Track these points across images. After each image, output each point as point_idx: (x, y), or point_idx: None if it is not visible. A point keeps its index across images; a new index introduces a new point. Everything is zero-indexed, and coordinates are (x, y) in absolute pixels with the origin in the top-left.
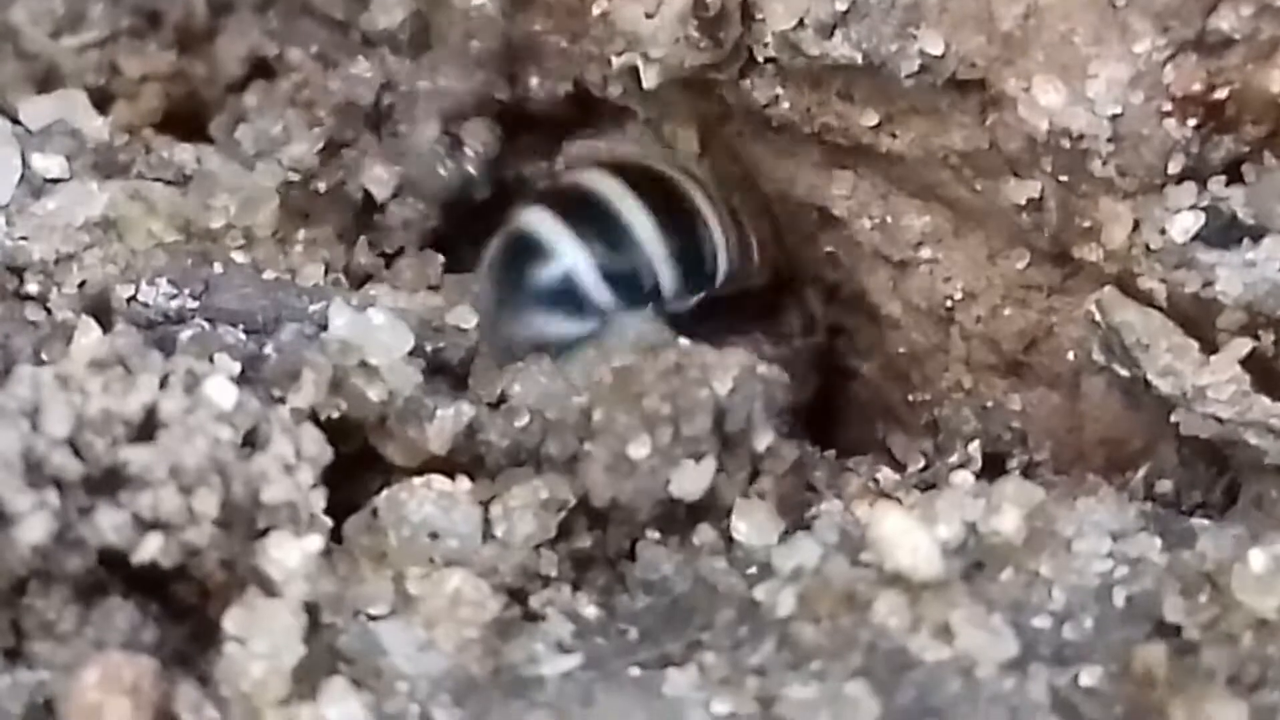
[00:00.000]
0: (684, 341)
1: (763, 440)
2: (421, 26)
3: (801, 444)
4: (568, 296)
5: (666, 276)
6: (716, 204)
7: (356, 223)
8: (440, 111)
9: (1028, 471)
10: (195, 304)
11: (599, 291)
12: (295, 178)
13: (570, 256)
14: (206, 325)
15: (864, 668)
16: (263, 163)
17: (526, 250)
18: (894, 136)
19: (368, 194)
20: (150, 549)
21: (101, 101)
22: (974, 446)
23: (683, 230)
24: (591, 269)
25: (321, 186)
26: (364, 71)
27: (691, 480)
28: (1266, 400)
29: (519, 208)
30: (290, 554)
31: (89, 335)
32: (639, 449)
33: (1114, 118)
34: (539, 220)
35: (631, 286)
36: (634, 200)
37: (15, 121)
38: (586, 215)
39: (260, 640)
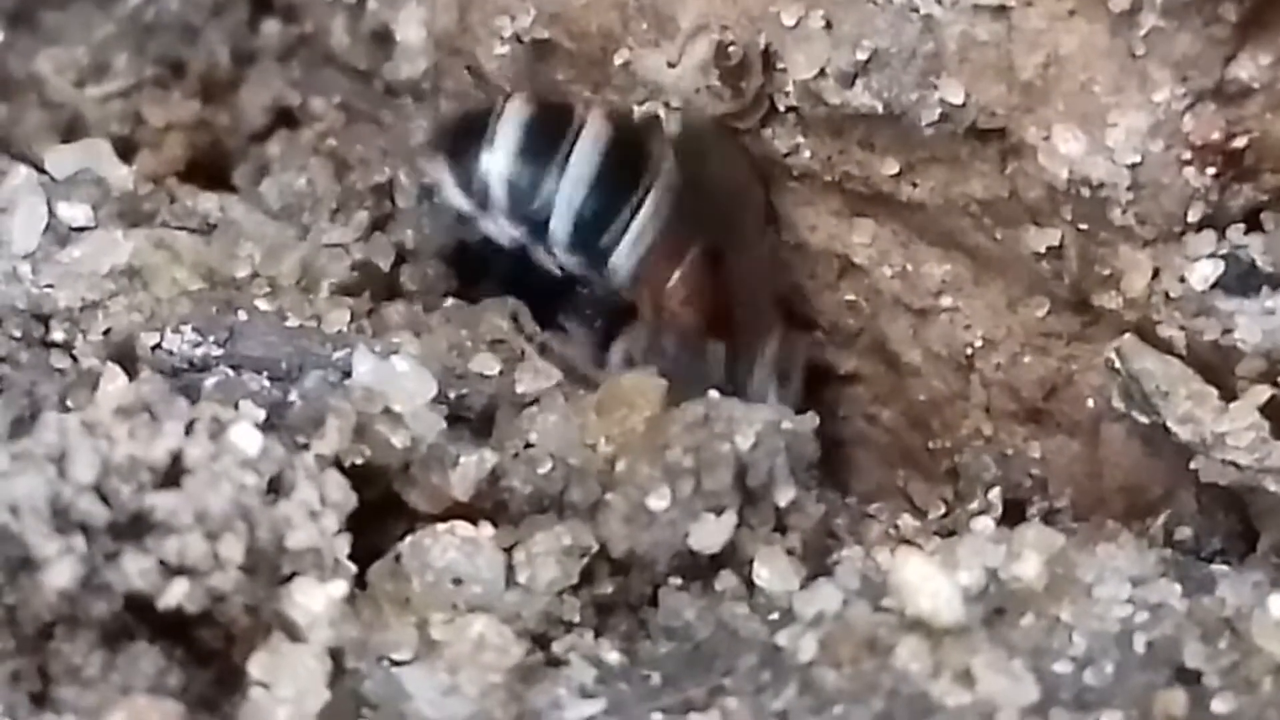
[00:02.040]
0: (713, 394)
1: (785, 495)
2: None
3: (824, 494)
4: (468, 173)
5: (562, 222)
6: (667, 207)
7: (387, 279)
8: None
9: (1048, 518)
10: (220, 351)
11: (497, 186)
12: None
13: (497, 147)
14: (231, 372)
15: (885, 713)
16: (294, 227)
17: (480, 120)
18: (914, 185)
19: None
20: (176, 594)
21: (126, 150)
22: (994, 493)
23: (611, 196)
24: (504, 166)
25: (360, 257)
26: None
27: (711, 534)
28: None
29: (517, 95)
30: (315, 599)
31: (115, 382)
32: (659, 501)
33: (1133, 166)
34: (513, 110)
35: (525, 202)
36: (596, 147)
37: (41, 170)
38: (547, 126)
39: (285, 685)
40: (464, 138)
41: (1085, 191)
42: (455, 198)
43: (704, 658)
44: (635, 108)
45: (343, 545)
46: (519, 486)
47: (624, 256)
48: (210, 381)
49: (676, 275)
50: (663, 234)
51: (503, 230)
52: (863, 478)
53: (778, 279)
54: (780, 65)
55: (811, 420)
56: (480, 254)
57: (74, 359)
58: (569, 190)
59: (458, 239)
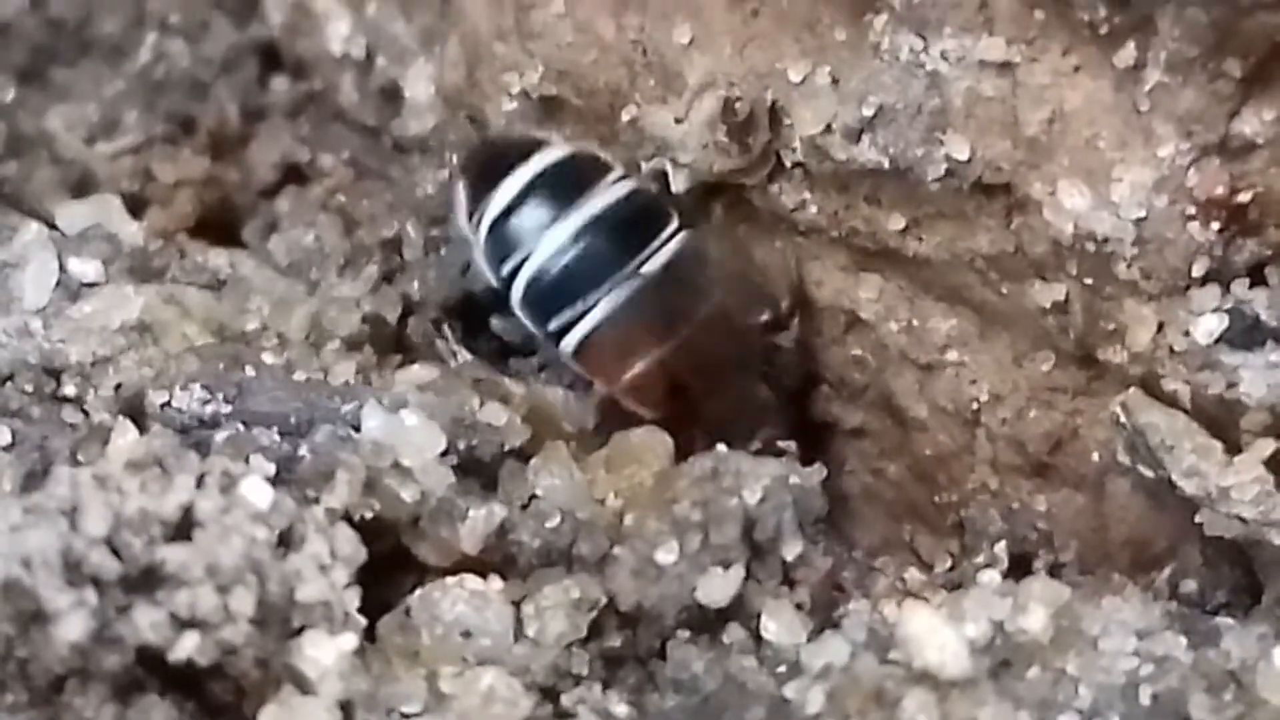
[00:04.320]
0: (721, 448)
1: (792, 549)
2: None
3: (831, 547)
4: (475, 203)
5: (520, 287)
6: (631, 309)
7: (393, 332)
8: None
9: (1054, 571)
10: (229, 408)
11: (485, 229)
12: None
13: (502, 191)
14: (241, 427)
15: None
16: (303, 283)
17: (509, 154)
18: (920, 240)
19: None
20: (187, 647)
21: (136, 207)
22: (1000, 547)
23: (574, 283)
24: (498, 214)
25: (369, 310)
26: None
27: (719, 587)
28: None
29: (556, 143)
30: (325, 652)
31: (126, 436)
32: (667, 554)
33: (1138, 221)
34: (539, 159)
35: (499, 256)
36: (585, 226)
37: (52, 226)
38: (559, 186)
39: None
40: (486, 167)
41: (1090, 246)
42: (461, 221)
43: (712, 710)
44: (642, 164)
45: (353, 598)
46: (527, 540)
47: (572, 344)
48: (220, 436)
49: (628, 377)
50: (617, 335)
51: (483, 269)
52: (869, 531)
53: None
54: (787, 121)
55: (818, 474)
56: (484, 307)
57: (85, 414)
58: (540, 260)
59: (463, 291)
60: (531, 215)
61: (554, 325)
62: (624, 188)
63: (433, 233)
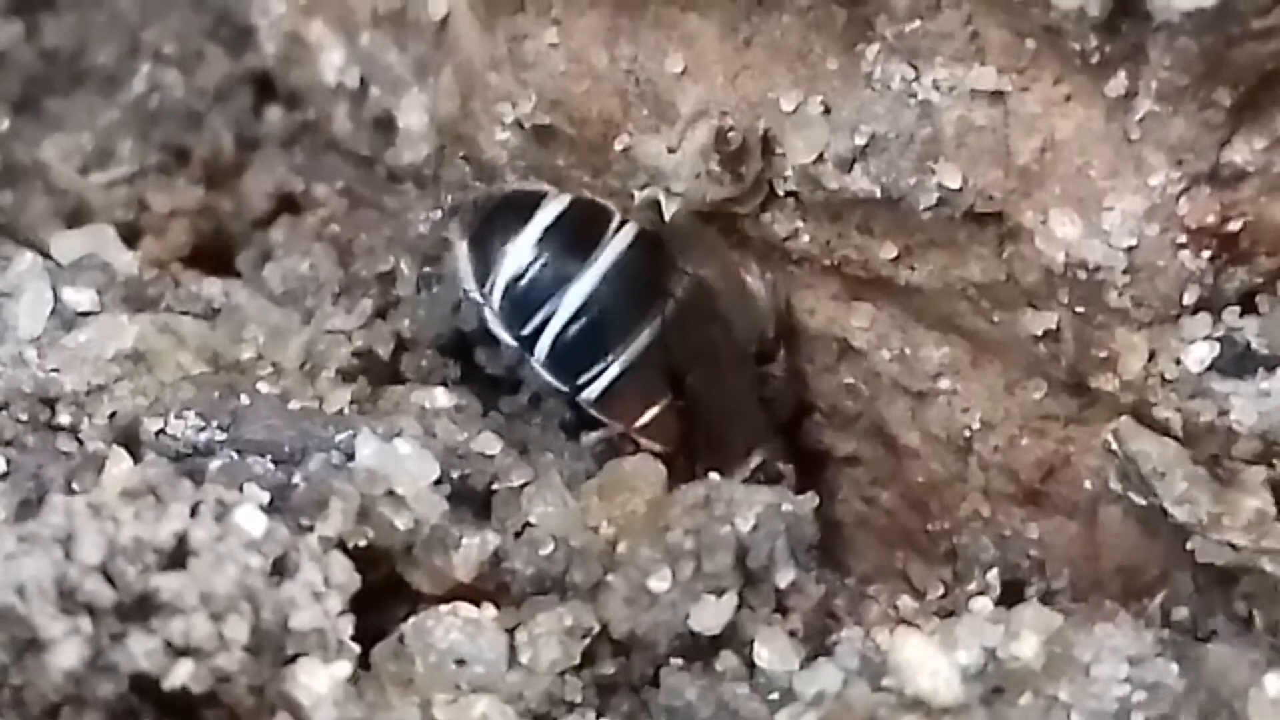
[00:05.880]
0: (714, 476)
1: (785, 577)
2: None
3: (823, 575)
4: (485, 266)
5: (545, 348)
6: (653, 355)
7: (387, 367)
8: None
9: (1046, 599)
10: (223, 436)
11: (499, 295)
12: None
13: (515, 251)
14: (235, 456)
15: None
16: (298, 312)
17: (512, 213)
18: (912, 269)
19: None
20: (181, 675)
21: (130, 236)
22: (992, 574)
23: (598, 338)
24: (512, 275)
25: (361, 344)
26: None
27: (711, 615)
28: None
29: (554, 197)
30: (319, 680)
31: (120, 465)
32: (660, 582)
33: (1129, 249)
34: (543, 215)
35: (518, 320)
36: (603, 282)
37: (46, 256)
38: (567, 242)
39: None
40: (490, 229)
41: (1082, 275)
42: (469, 285)
43: None
44: (635, 193)
45: (346, 626)
46: (521, 568)
47: (595, 393)
48: (214, 465)
49: (646, 418)
50: (639, 380)
51: (498, 333)
52: (862, 559)
53: (778, 400)
54: (779, 150)
55: (811, 502)
56: (473, 345)
57: (80, 442)
58: (564, 319)
59: (454, 329)
60: (549, 275)
61: (581, 380)
62: (629, 232)
63: (425, 269)
